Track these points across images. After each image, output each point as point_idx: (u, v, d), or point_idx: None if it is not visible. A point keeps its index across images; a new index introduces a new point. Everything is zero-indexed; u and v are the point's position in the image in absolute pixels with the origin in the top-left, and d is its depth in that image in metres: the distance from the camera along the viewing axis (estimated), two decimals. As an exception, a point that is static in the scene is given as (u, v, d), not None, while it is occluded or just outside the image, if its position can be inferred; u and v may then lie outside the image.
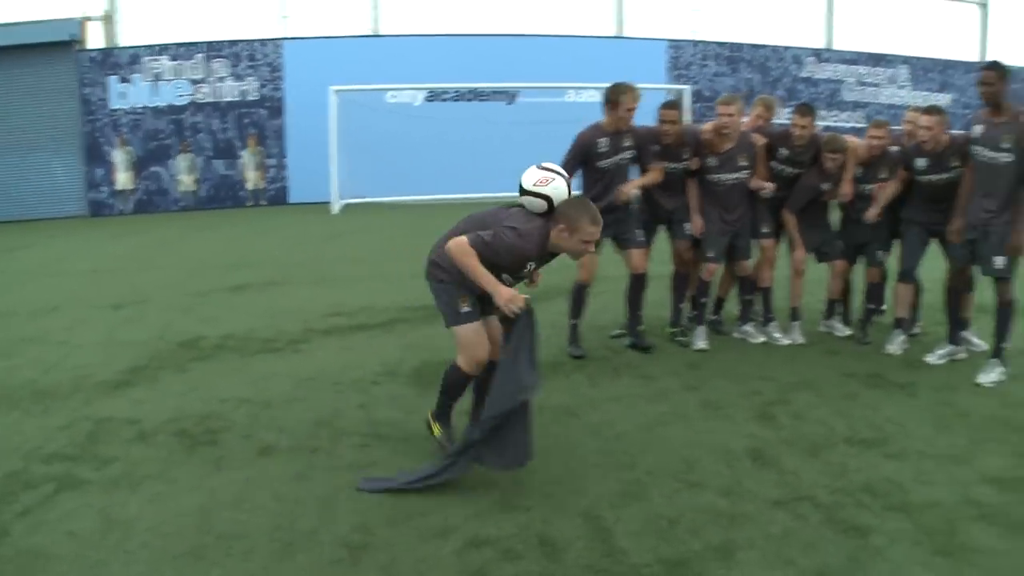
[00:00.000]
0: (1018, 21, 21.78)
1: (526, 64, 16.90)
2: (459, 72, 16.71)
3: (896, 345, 5.99)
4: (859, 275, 6.52)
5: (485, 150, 16.22)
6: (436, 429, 4.24)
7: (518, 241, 3.77)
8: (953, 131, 5.72)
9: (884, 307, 6.62)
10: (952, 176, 5.61)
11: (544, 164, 4.04)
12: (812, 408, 4.86)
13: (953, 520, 3.50)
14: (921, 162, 5.71)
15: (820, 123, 6.89)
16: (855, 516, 3.53)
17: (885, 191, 6.00)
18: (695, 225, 6.14)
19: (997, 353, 5.43)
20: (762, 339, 6.32)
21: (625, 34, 18.61)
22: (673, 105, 6.15)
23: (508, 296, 3.71)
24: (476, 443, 3.78)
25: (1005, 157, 5.17)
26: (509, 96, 17.50)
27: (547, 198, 3.89)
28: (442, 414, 4.24)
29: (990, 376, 5.34)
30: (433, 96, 17.27)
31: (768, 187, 6.12)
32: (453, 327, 4.04)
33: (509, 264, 3.86)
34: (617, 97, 5.70)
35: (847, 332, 6.44)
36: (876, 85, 19.99)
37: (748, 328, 6.40)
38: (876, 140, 6.03)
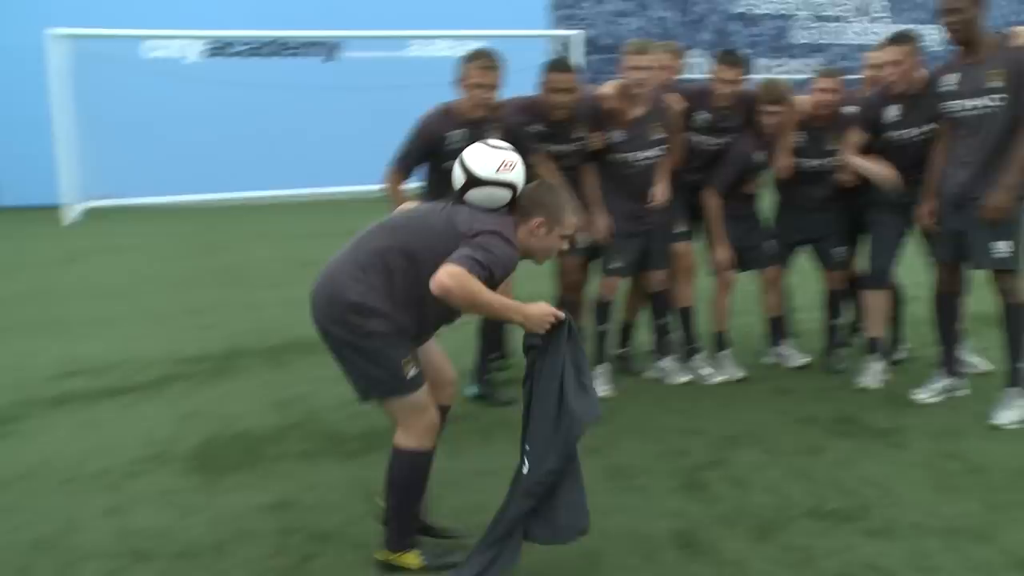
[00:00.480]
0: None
1: (352, 6, 16.78)
2: (254, 16, 16.48)
3: (871, 376, 6.18)
4: (806, 281, 6.71)
5: (294, 128, 16.03)
6: (412, 559, 4.00)
7: (509, 250, 3.73)
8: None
9: (840, 319, 6.82)
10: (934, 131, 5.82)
11: (491, 142, 3.99)
12: (759, 470, 4.91)
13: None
14: (892, 111, 5.90)
15: (756, 76, 7.08)
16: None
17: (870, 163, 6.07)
18: (598, 226, 6.11)
19: (1016, 379, 5.60)
20: (685, 378, 6.43)
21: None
22: (564, 66, 6.15)
23: (540, 312, 3.74)
24: (524, 516, 3.78)
25: (996, 101, 5.34)
26: (327, 50, 17.34)
27: (513, 187, 3.86)
28: (404, 534, 4.02)
29: (1011, 413, 5.53)
30: (216, 49, 16.90)
31: (660, 196, 6.15)
32: (393, 398, 3.87)
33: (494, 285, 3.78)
34: (461, 71, 5.70)
35: (803, 361, 6.63)
36: (839, 19, 20.82)
37: (666, 364, 6.48)
38: (825, 96, 6.21)
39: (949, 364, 6.04)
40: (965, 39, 5.44)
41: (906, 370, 6.45)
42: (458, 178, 3.87)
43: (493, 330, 6.21)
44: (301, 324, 7.48)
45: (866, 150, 6.06)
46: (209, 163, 16.02)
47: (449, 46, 16.92)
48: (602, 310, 6.27)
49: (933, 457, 5.11)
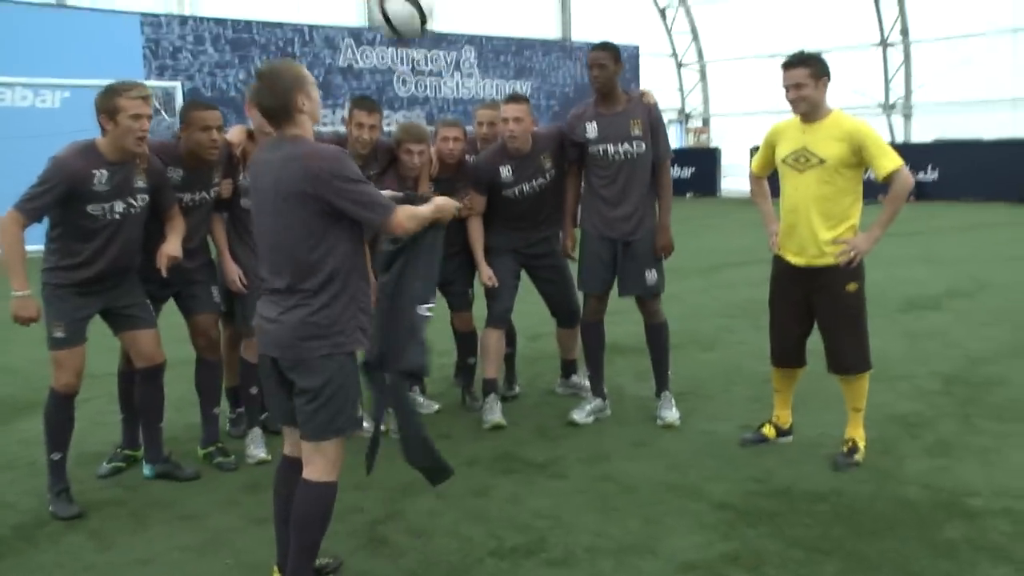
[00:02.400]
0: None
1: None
2: None
3: (494, 413, 6.37)
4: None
5: None
6: None
7: None
8: (538, 127, 6.39)
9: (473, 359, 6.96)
10: (546, 183, 6.27)
11: None
12: (435, 517, 4.87)
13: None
14: (507, 170, 6.23)
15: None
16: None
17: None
18: (230, 277, 5.78)
19: (666, 383, 6.28)
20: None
21: (74, 3, 17.83)
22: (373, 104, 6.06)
23: None
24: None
25: (639, 148, 6.03)
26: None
27: None
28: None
29: (674, 411, 6.24)
30: None
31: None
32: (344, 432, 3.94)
33: None
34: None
35: (435, 408, 6.72)
36: (437, 73, 21.58)
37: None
38: (454, 143, 6.33)
39: (598, 387, 6.43)
40: (607, 92, 6.10)
41: (521, 403, 6.78)
42: None
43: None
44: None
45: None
46: None
47: (25, 95, 15.97)
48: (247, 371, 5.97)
49: (591, 482, 5.32)
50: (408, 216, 3.86)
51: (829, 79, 5.40)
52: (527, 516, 4.84)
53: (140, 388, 5.52)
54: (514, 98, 6.27)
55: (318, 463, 3.84)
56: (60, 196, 4.90)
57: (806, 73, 5.33)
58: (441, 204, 4.06)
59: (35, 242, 4.97)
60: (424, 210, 3.98)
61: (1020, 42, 21.77)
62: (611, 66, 6.05)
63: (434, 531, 4.68)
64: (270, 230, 3.83)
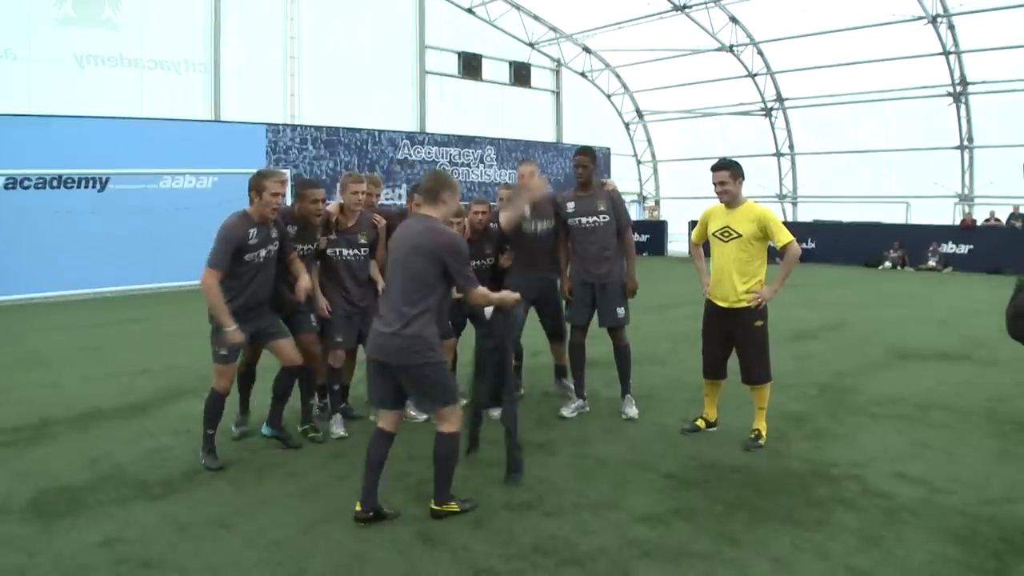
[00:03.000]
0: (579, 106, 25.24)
1: (117, 148, 15.51)
2: (42, 157, 14.79)
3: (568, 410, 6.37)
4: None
5: (74, 242, 14.62)
6: (453, 506, 4.36)
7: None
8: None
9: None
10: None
11: None
12: (464, 482, 4.79)
13: (621, 562, 3.76)
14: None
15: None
16: (534, 580, 3.60)
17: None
18: (321, 306, 5.82)
19: (628, 388, 6.39)
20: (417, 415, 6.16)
21: (223, 118, 18.05)
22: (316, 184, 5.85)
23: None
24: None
25: (603, 219, 6.14)
26: (99, 183, 15.92)
27: None
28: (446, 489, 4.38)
29: (633, 408, 6.32)
30: (11, 183, 15.02)
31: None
32: (452, 403, 4.28)
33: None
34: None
35: (421, 418, 6.17)
36: (467, 165, 21.67)
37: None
38: (480, 215, 6.37)
39: (580, 391, 6.42)
40: (586, 182, 6.22)
41: (544, 402, 6.72)
42: None
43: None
44: (98, 396, 6.90)
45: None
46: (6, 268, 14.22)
47: (191, 180, 16.11)
48: (333, 375, 6.00)
49: (574, 458, 5.33)
50: (482, 295, 4.39)
51: (744, 178, 5.50)
52: (531, 481, 4.86)
53: (282, 379, 5.60)
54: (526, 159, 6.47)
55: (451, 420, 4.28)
56: (233, 250, 5.04)
57: (728, 174, 5.42)
58: (504, 297, 4.57)
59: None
60: (493, 296, 4.51)
61: (872, 159, 22.02)
62: (591, 165, 6.18)
63: (463, 491, 4.62)
64: (400, 276, 4.21)
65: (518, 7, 23.32)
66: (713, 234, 5.57)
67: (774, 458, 5.30)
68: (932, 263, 20.10)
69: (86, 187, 15.33)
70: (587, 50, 25.48)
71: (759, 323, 5.49)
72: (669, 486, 4.79)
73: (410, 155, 20.54)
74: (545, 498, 4.59)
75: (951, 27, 18.69)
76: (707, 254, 5.83)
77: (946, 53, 19.23)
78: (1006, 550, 3.87)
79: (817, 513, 4.36)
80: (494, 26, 23.36)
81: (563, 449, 5.52)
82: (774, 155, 24.32)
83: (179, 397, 7.01)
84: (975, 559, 3.79)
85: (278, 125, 18.39)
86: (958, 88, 19.79)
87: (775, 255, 5.57)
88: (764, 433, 5.60)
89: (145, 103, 16.65)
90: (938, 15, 18.39)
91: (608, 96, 27.10)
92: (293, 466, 5.23)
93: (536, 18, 23.84)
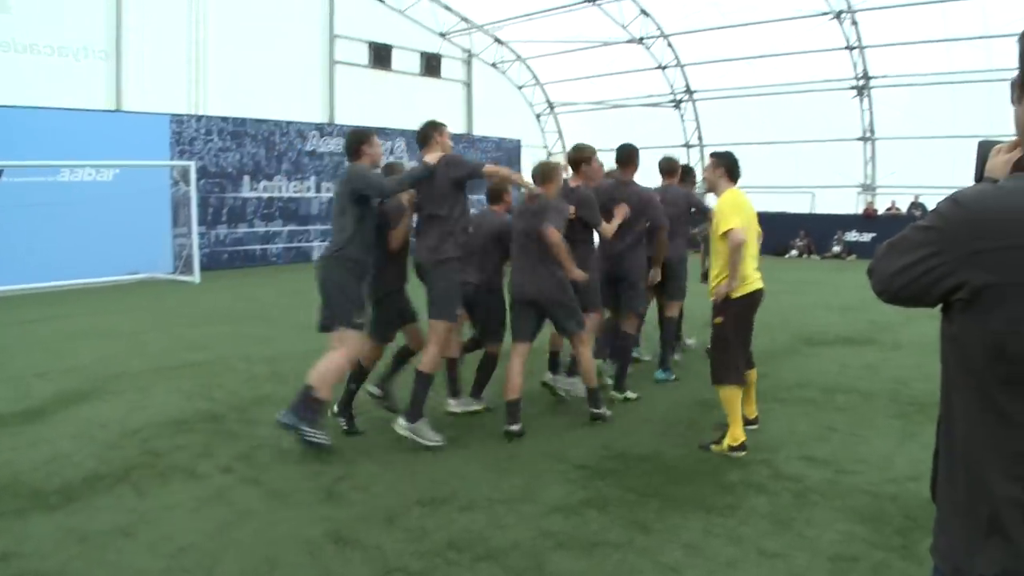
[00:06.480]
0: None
1: (11, 139, 14.73)
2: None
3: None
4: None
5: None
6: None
7: None
8: None
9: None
10: None
11: None
12: (376, 478, 4.84)
13: (535, 554, 3.78)
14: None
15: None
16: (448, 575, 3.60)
17: None
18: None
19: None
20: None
21: (124, 107, 17.38)
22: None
23: None
24: None
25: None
26: (-6, 174, 15.17)
27: None
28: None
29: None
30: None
31: None
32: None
33: None
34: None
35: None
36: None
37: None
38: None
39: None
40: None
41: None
42: None
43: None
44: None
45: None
46: None
47: (90, 173, 15.45)
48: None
49: (486, 452, 5.31)
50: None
51: (724, 168, 5.38)
52: (445, 475, 4.84)
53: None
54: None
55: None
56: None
57: (710, 163, 5.43)
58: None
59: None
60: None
61: (778, 150, 22.63)
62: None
63: (375, 488, 4.61)
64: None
65: (429, -4, 23.18)
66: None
67: (685, 445, 5.41)
68: (836, 251, 20.88)
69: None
70: (498, 41, 25.46)
71: (717, 320, 5.32)
72: (582, 476, 4.84)
73: (318, 147, 20.16)
74: (459, 493, 4.58)
75: (855, 23, 19.39)
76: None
77: (850, 48, 19.96)
78: (910, 526, 4.05)
79: (729, 498, 4.48)
80: (405, 16, 23.12)
81: (475, 445, 5.51)
82: (683, 146, 24.80)
83: (80, 401, 6.68)
84: (881, 537, 3.96)
85: (182, 116, 17.75)
86: (861, 82, 20.57)
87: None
88: (727, 441, 5.23)
89: (41, 91, 15.76)
90: (842, 11, 19.04)
91: (519, 87, 27.18)
92: (199, 469, 5.07)
93: (447, 8, 23.67)
